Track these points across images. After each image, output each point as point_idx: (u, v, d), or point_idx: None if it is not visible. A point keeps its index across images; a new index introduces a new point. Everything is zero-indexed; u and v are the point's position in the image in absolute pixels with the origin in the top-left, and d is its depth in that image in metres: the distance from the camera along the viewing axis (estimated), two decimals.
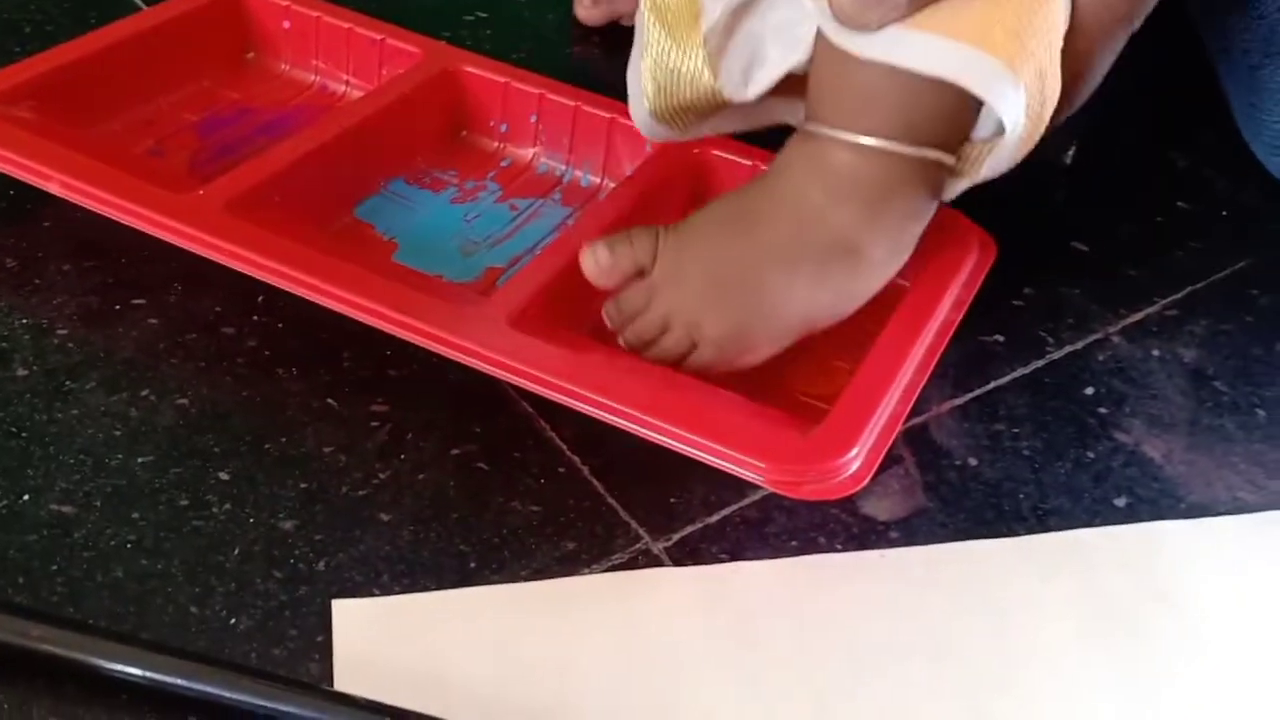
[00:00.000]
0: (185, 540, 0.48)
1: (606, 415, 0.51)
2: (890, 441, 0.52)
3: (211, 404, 0.54)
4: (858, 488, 0.50)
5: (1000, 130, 0.53)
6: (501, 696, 0.44)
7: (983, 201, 0.59)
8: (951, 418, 0.59)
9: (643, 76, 0.57)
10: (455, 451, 0.53)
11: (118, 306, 0.59)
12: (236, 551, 0.48)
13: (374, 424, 0.54)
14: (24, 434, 0.52)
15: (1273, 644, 0.50)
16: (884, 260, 0.56)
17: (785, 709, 0.45)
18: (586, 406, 0.51)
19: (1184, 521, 0.55)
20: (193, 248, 0.55)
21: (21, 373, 0.55)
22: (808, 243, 0.55)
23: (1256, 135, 0.72)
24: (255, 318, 0.58)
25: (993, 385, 0.61)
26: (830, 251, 0.55)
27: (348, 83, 0.73)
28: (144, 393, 0.54)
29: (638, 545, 0.51)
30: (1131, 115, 0.82)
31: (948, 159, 0.55)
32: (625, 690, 0.45)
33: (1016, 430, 0.59)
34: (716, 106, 0.58)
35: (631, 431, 0.50)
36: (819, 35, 0.54)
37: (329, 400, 0.55)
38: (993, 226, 0.63)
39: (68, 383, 0.54)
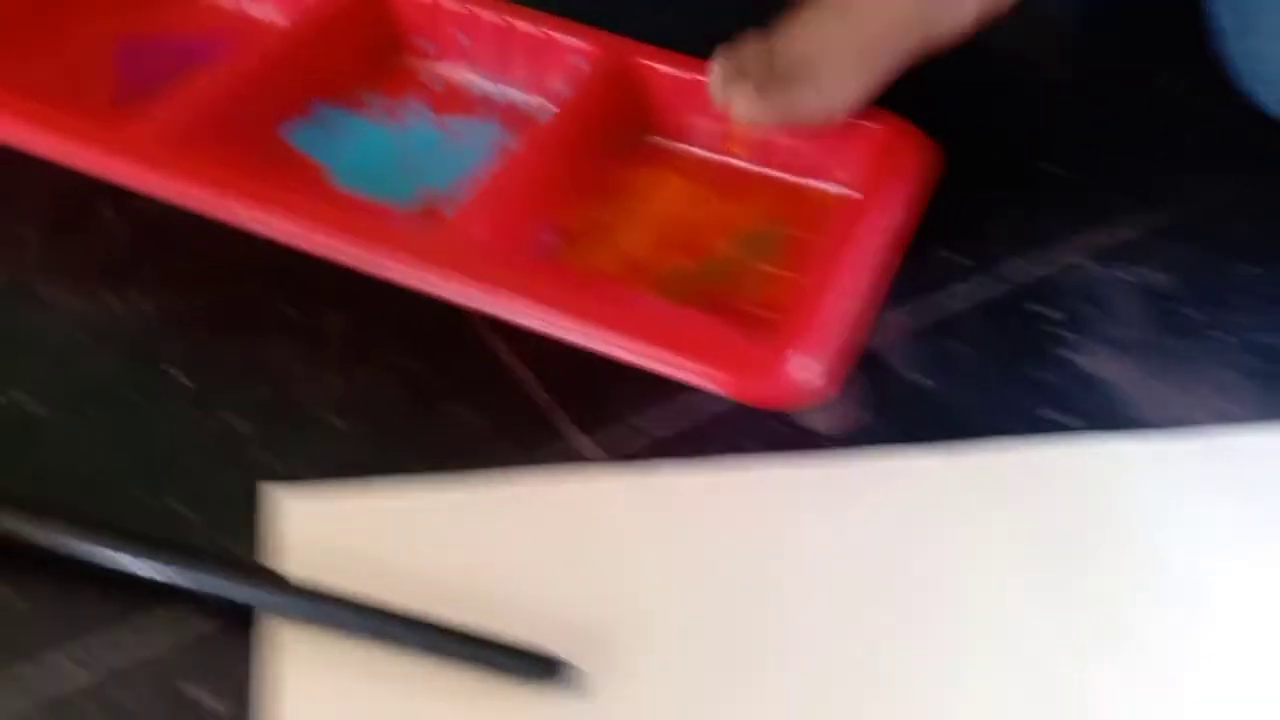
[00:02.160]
0: (147, 439, 0.51)
1: (571, 334, 0.51)
2: (855, 353, 0.53)
3: (176, 313, 0.57)
4: (825, 397, 0.52)
5: None
6: (443, 582, 0.47)
7: (953, 120, 0.60)
8: (907, 337, 0.60)
9: None
10: (408, 362, 0.56)
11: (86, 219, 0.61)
12: (195, 451, 0.51)
13: (331, 334, 0.56)
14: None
15: (1218, 564, 0.51)
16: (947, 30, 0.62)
17: (717, 607, 0.47)
18: (551, 327, 0.51)
19: (1134, 442, 0.56)
20: (128, 182, 0.56)
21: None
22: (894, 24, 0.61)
23: (1244, 62, 0.72)
24: (217, 229, 0.60)
25: (954, 307, 0.62)
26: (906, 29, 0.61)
27: (270, 7, 0.71)
28: (111, 301, 0.57)
29: (573, 447, 0.53)
30: (1113, 36, 0.82)
31: None
32: (560, 581, 0.47)
33: (972, 350, 0.60)
34: None
35: (600, 350, 0.51)
36: None
37: (288, 310, 0.57)
38: (962, 147, 0.64)
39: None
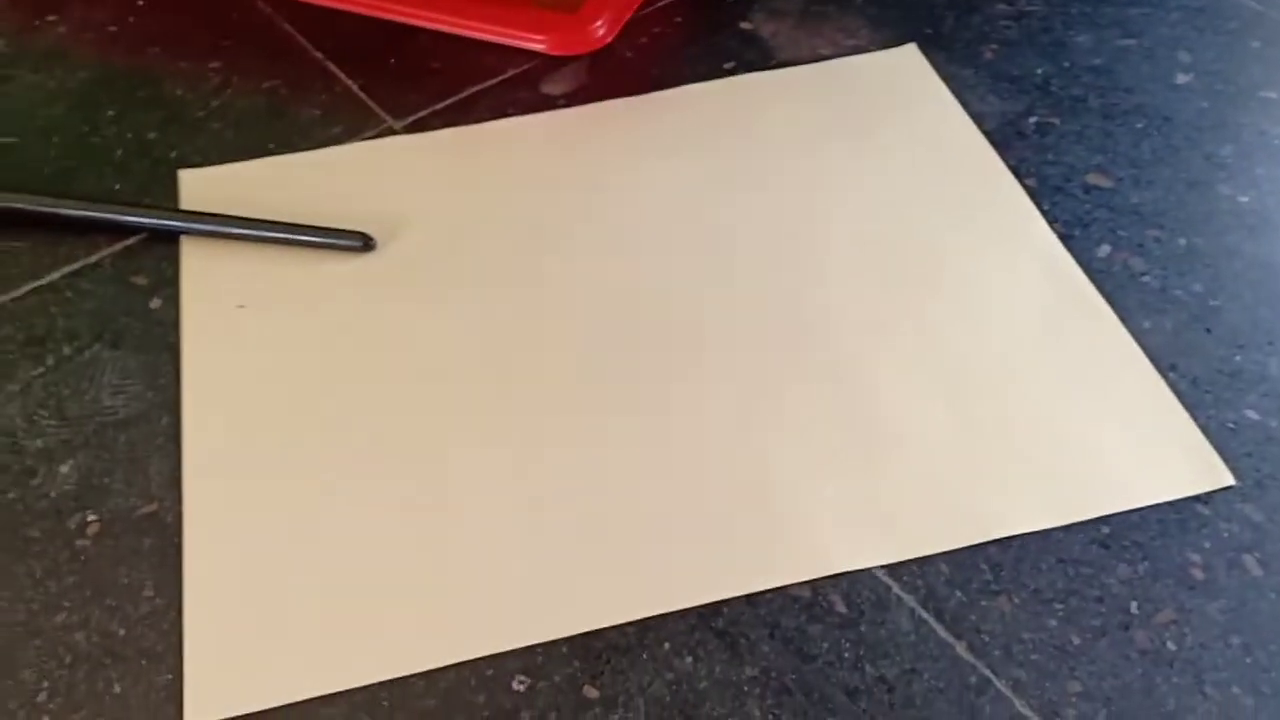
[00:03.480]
0: (87, 151, 0.75)
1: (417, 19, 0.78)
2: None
3: (104, 72, 0.80)
4: (608, 40, 0.79)
5: None
6: (292, 208, 0.70)
7: None
8: (626, 27, 0.84)
9: None
10: (265, 84, 0.79)
11: (37, 22, 0.84)
12: (119, 153, 0.74)
13: (211, 74, 0.80)
14: None
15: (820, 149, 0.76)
16: None
17: (478, 211, 0.72)
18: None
19: (768, 73, 0.80)
20: None
21: None
22: None
23: None
24: (131, 18, 0.83)
25: (660, 3, 0.85)
26: None
27: None
28: (58, 70, 0.80)
29: (385, 124, 0.77)
30: None
31: None
32: (367, 204, 0.72)
33: (668, 30, 0.83)
34: None
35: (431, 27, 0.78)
36: None
37: (180, 63, 0.80)
38: None
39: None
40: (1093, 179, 0.75)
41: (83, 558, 0.55)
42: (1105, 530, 0.58)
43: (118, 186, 0.72)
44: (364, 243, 0.68)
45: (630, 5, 0.84)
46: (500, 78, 0.80)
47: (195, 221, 0.68)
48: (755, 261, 0.69)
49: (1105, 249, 0.71)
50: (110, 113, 0.77)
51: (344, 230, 0.68)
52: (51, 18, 0.83)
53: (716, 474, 0.60)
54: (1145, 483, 0.60)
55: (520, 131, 0.77)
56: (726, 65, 0.81)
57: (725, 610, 0.55)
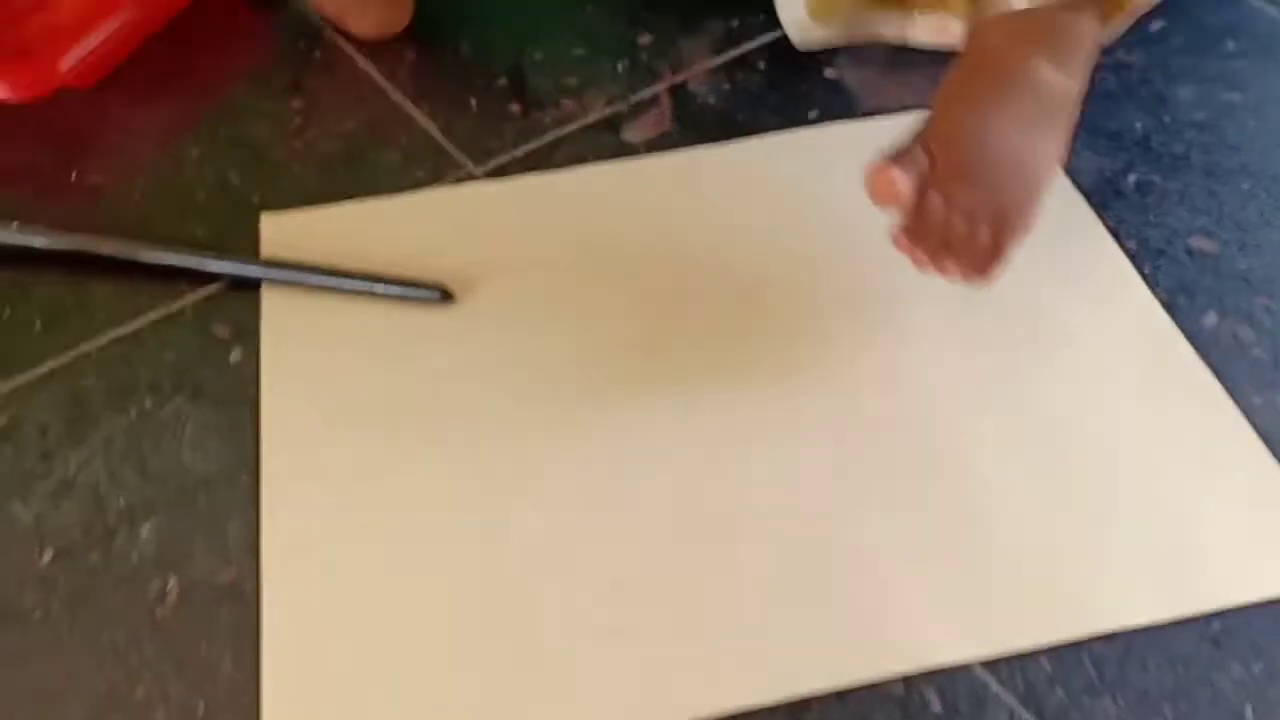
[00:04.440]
0: (170, 189, 0.73)
1: None
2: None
3: (188, 110, 0.78)
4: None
5: None
6: (374, 255, 0.68)
7: None
8: (706, 74, 0.81)
9: None
10: (346, 126, 0.77)
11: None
12: (201, 195, 0.73)
13: (293, 114, 0.78)
14: None
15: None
16: (1079, 94, 0.64)
17: (563, 261, 0.70)
18: None
19: (851, 123, 0.77)
20: None
21: None
22: (1043, 106, 0.61)
23: None
24: (216, 54, 0.82)
25: (744, 49, 0.83)
26: (1056, 104, 0.62)
27: None
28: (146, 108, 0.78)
29: (465, 169, 0.75)
30: None
31: None
32: (449, 248, 0.70)
33: (752, 77, 0.81)
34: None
35: None
36: None
37: (263, 102, 0.79)
38: None
39: None
40: (1197, 242, 0.72)
41: (162, 628, 0.54)
42: (1217, 626, 0.55)
43: (199, 231, 0.70)
44: (442, 295, 0.66)
45: (77, 37, 0.76)
46: (581, 123, 0.78)
47: (274, 270, 0.67)
48: (840, 320, 0.67)
49: (1211, 318, 0.67)
50: (194, 152, 0.75)
51: (423, 283, 0.66)
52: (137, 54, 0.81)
53: (805, 558, 0.57)
54: (1260, 575, 0.57)
55: (601, 180, 0.74)
56: (810, 114, 0.78)
57: (815, 707, 0.52)
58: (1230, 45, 0.84)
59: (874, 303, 0.68)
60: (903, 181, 0.57)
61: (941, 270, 0.59)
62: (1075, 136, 0.75)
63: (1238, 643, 0.54)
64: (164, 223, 0.71)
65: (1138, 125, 0.78)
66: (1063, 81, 0.63)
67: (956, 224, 0.58)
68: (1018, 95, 0.61)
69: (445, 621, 0.54)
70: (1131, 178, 0.75)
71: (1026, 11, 0.61)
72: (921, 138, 0.60)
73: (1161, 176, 0.75)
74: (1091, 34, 0.65)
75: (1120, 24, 0.68)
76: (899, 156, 0.58)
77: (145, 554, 0.56)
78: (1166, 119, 0.79)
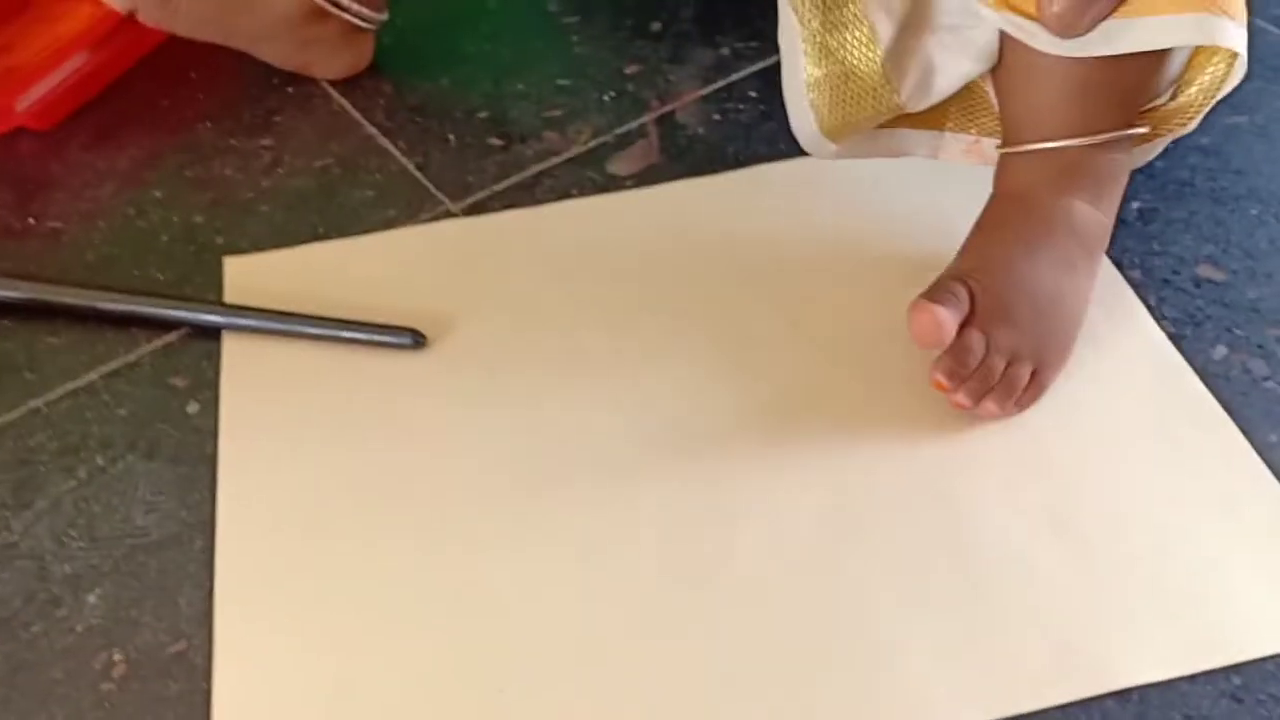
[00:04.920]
0: (131, 233, 0.69)
1: None
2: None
3: (152, 150, 0.74)
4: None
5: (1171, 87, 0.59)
6: (341, 300, 0.64)
7: None
8: (695, 104, 0.77)
9: (811, 95, 0.59)
10: (317, 163, 0.73)
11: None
12: (164, 238, 0.69)
13: (262, 151, 0.74)
14: None
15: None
16: (1111, 226, 0.62)
17: (536, 302, 0.65)
18: None
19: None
20: None
21: None
22: (1079, 243, 0.60)
23: None
24: (183, 91, 0.78)
25: (733, 78, 0.79)
26: (1092, 241, 0.61)
27: None
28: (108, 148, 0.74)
29: (443, 206, 0.71)
30: None
31: (1144, 129, 0.61)
32: (423, 288, 0.66)
33: (742, 107, 0.77)
34: (888, 119, 0.61)
35: None
36: (1005, 53, 0.58)
37: (231, 140, 0.75)
38: None
39: None
40: (1204, 271, 0.67)
41: (107, 704, 0.50)
42: (1237, 681, 0.50)
43: (161, 276, 0.66)
44: (414, 340, 0.62)
45: (35, 77, 0.74)
46: (565, 156, 0.74)
47: (237, 316, 0.63)
48: (838, 363, 0.63)
49: (1221, 350, 0.63)
50: (157, 194, 0.71)
51: (394, 327, 0.62)
52: (101, 93, 0.78)
53: (802, 616, 0.52)
54: None
55: (583, 214, 0.70)
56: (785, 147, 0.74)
57: None
58: None
59: (873, 344, 0.63)
60: (949, 323, 0.55)
61: (981, 411, 0.58)
62: None
63: (1259, 698, 0.50)
64: (124, 267, 0.67)
65: None
66: (1097, 218, 0.61)
67: (997, 364, 0.57)
68: (1055, 234, 0.60)
69: (412, 697, 0.50)
70: (1134, 205, 0.70)
71: (1058, 149, 0.59)
72: (960, 275, 0.58)
73: (1165, 203, 0.71)
74: (1125, 167, 0.62)
75: (1152, 150, 0.64)
76: (941, 294, 0.56)
77: (91, 624, 0.52)
78: (1170, 144, 0.74)
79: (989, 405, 0.57)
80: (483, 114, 0.77)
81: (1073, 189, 0.60)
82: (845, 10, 0.57)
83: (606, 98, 0.78)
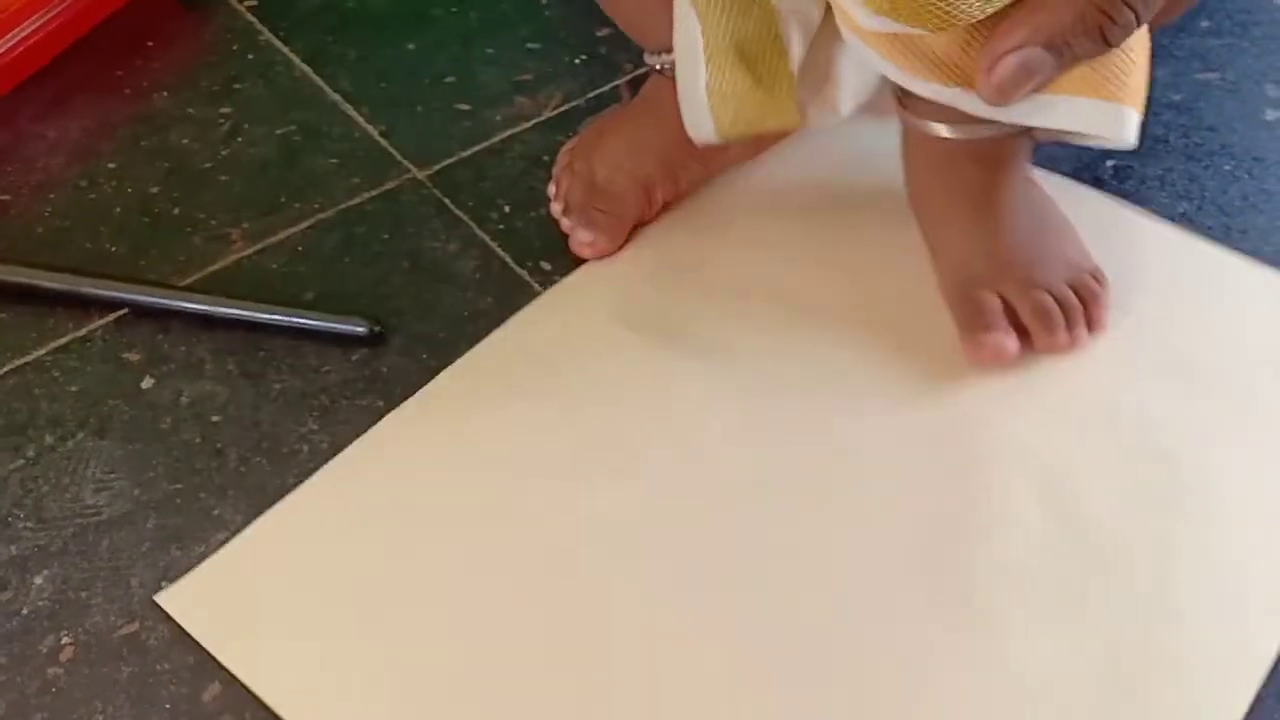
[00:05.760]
0: (83, 205, 0.65)
1: None
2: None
3: (105, 120, 0.70)
4: None
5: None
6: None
7: None
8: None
9: (712, 109, 0.56)
10: (278, 131, 0.69)
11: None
12: (117, 210, 0.65)
13: (221, 119, 0.70)
14: None
15: None
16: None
17: None
18: None
19: None
20: None
21: None
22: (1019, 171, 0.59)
23: None
24: (138, 61, 0.74)
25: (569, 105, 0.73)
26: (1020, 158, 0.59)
27: None
28: (58, 119, 0.70)
29: (407, 175, 0.67)
30: None
31: None
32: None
33: None
34: (788, 127, 0.58)
35: None
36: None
37: (189, 109, 0.71)
38: None
39: None
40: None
41: (54, 689, 0.46)
42: None
43: (114, 248, 0.63)
44: (370, 330, 0.58)
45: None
46: (535, 121, 0.70)
47: (185, 300, 0.59)
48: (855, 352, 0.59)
49: None
50: (110, 165, 0.68)
51: (352, 316, 0.58)
52: (53, 61, 0.73)
53: (818, 672, 0.47)
54: None
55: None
56: None
57: None
58: (1204, 23, 0.77)
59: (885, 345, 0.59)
60: (1009, 344, 0.56)
61: (1062, 347, 0.57)
62: None
63: None
64: (77, 240, 0.63)
65: None
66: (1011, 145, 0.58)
67: (1047, 302, 0.57)
68: (1002, 184, 0.58)
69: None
70: (1110, 163, 0.67)
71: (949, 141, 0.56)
72: (978, 281, 0.57)
73: (1140, 161, 0.68)
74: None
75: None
76: (980, 321, 0.56)
77: (38, 606, 0.48)
78: None
79: (1062, 339, 0.57)
80: (450, 79, 0.73)
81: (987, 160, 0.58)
82: (753, 17, 0.54)
83: (578, 61, 0.74)
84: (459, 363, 0.57)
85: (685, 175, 0.64)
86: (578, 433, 0.54)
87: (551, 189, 0.64)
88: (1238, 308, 0.60)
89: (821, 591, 0.49)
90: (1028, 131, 0.56)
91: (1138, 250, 0.63)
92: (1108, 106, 0.50)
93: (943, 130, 0.55)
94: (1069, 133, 0.53)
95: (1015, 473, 0.53)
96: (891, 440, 0.55)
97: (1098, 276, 0.59)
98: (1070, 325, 0.57)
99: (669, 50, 0.58)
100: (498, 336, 0.59)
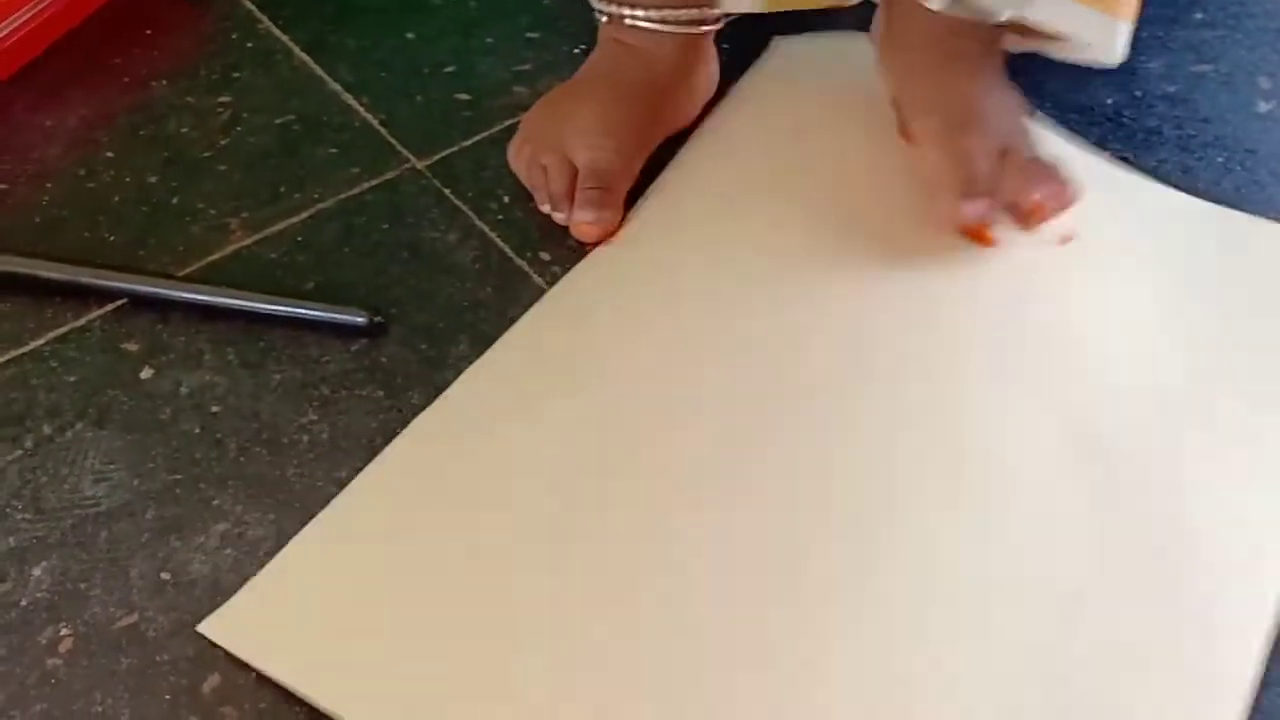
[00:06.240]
0: (81, 194, 0.64)
1: None
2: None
3: (103, 109, 0.68)
4: None
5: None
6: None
7: None
8: None
9: None
10: (278, 120, 0.68)
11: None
12: (115, 199, 0.64)
13: (220, 109, 0.69)
14: None
15: None
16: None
17: None
18: None
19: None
20: None
21: None
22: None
23: None
24: (136, 49, 0.72)
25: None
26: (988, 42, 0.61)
27: None
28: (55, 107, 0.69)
29: (407, 165, 0.66)
30: None
31: None
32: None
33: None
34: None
35: None
36: None
37: (187, 98, 0.70)
38: None
39: None
40: None
41: (53, 680, 0.45)
42: None
43: (112, 238, 0.61)
44: (370, 320, 0.57)
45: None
46: None
47: (184, 290, 0.58)
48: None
49: None
50: (109, 154, 0.66)
51: (350, 306, 0.58)
52: (51, 50, 0.72)
53: None
54: None
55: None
56: None
57: None
58: (1198, 15, 0.76)
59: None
60: (984, 209, 0.56)
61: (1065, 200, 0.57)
62: (1046, 112, 0.67)
63: None
64: (75, 230, 0.62)
65: (1109, 100, 0.69)
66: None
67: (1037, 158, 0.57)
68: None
69: None
70: (1106, 155, 0.67)
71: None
72: (957, 127, 0.57)
73: (1135, 152, 0.67)
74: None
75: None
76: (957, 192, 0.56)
77: (36, 598, 0.48)
78: (1137, 93, 0.70)
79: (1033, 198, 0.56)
80: (450, 69, 0.72)
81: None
82: None
83: (576, 50, 0.73)
84: (474, 368, 0.56)
85: (657, 138, 0.64)
86: (604, 432, 0.53)
87: (533, 189, 0.63)
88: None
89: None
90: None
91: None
92: (1100, 17, 0.51)
93: (934, 3, 0.55)
94: (1053, 40, 0.52)
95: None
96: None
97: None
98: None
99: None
100: (511, 337, 0.57)
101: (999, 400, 0.54)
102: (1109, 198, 0.61)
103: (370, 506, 0.51)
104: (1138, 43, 0.72)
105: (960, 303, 0.57)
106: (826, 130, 0.65)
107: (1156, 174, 0.66)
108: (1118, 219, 0.61)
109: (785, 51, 0.70)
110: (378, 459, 0.52)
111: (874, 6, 0.65)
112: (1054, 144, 0.63)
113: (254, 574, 0.49)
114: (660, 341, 0.56)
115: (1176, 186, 0.65)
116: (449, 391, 0.55)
